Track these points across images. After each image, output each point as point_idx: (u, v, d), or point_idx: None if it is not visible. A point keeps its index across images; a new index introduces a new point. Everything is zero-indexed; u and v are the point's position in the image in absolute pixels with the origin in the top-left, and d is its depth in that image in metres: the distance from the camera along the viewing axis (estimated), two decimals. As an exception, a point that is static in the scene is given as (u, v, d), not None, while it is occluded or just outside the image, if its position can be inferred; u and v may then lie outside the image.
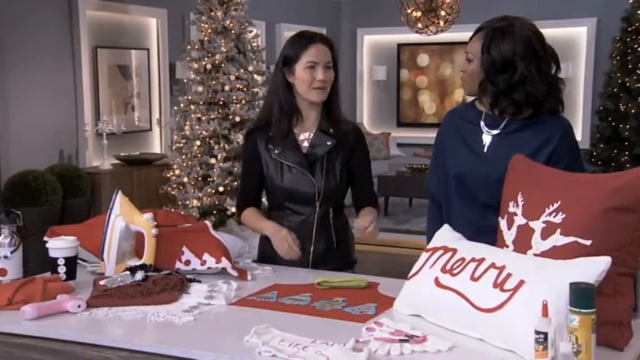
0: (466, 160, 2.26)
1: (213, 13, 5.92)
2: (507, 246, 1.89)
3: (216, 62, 5.86)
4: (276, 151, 2.53)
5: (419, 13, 7.11)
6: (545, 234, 1.78)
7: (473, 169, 2.24)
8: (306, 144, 2.55)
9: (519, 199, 1.89)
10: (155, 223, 2.28)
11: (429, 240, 2.06)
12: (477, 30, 2.24)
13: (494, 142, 2.23)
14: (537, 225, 1.80)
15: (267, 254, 2.55)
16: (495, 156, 2.20)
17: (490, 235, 1.97)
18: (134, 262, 2.24)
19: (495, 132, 2.23)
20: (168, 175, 6.01)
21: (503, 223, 1.95)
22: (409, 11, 7.14)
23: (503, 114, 2.21)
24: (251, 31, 6.14)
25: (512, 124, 2.21)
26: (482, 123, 2.26)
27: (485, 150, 2.24)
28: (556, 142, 2.17)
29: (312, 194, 2.51)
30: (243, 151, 2.71)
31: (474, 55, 2.22)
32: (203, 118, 5.85)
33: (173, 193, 5.96)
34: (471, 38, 2.25)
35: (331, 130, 2.54)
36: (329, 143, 2.52)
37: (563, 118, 2.24)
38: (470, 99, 2.37)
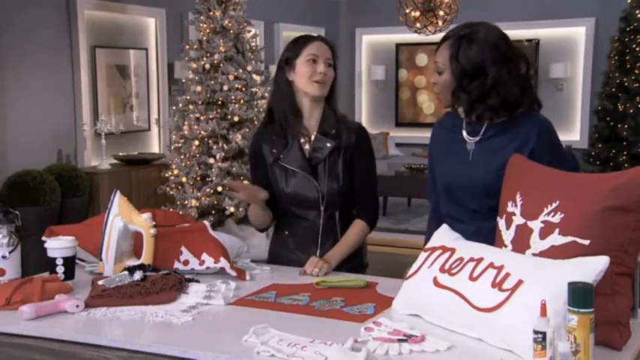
0: (452, 169, 2.26)
1: (211, 13, 5.92)
2: (506, 246, 1.89)
3: (215, 62, 5.86)
4: (280, 156, 2.51)
5: (417, 13, 7.12)
6: (544, 234, 1.78)
7: (459, 177, 2.24)
8: (307, 147, 2.52)
9: (518, 198, 1.89)
10: (154, 223, 2.28)
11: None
12: (443, 39, 2.22)
13: (476, 149, 2.22)
14: (536, 225, 1.80)
15: (277, 256, 2.58)
16: (478, 163, 2.20)
17: (484, 239, 1.96)
18: (132, 262, 2.23)
19: (476, 139, 2.22)
20: (166, 175, 6.01)
21: (501, 222, 1.95)
22: (408, 11, 7.15)
23: (481, 120, 2.20)
24: (249, 31, 6.13)
25: (491, 129, 2.20)
26: (463, 132, 2.25)
27: (470, 158, 2.23)
28: (533, 143, 2.14)
29: (316, 198, 2.49)
30: (249, 157, 2.69)
31: (444, 65, 2.20)
32: (201, 117, 5.85)
33: (171, 193, 5.96)
34: (437, 48, 2.22)
35: (333, 131, 2.51)
36: (329, 145, 2.48)
37: (541, 117, 2.22)
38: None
